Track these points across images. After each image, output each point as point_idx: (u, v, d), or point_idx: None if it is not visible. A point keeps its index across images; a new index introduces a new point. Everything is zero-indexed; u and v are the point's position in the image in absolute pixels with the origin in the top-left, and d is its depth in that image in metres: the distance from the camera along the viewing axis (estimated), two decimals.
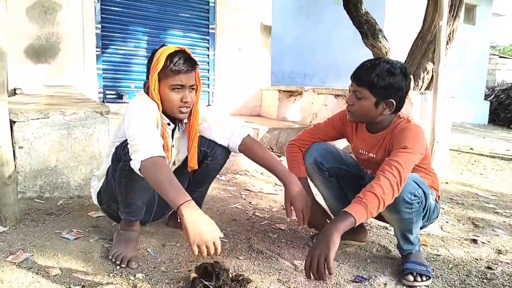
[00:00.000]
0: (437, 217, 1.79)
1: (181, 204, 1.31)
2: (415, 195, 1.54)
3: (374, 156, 1.75)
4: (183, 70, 1.58)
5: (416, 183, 1.56)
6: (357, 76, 1.63)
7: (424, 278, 1.61)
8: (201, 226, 1.30)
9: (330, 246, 1.36)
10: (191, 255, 1.61)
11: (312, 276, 1.38)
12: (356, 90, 1.63)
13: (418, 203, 1.57)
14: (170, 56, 1.57)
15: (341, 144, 3.73)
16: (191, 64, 1.61)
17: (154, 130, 1.53)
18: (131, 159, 1.46)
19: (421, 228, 1.73)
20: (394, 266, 1.76)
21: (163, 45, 1.66)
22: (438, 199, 1.79)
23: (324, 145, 1.89)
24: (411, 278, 1.60)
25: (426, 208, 1.64)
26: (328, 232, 1.39)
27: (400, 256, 1.76)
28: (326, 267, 1.35)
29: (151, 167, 1.41)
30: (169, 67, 1.57)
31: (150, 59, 1.63)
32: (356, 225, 1.43)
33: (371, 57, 5.94)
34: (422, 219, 1.66)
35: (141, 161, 1.41)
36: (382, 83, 1.57)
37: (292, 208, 1.68)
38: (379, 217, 1.81)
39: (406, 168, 1.50)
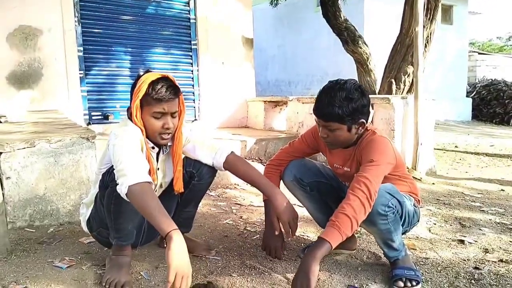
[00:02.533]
0: (418, 220, 1.84)
1: (170, 232, 1.33)
2: (388, 206, 1.59)
3: (349, 169, 1.80)
4: (164, 99, 1.59)
5: (389, 193, 1.61)
6: (321, 113, 1.65)
7: (413, 283, 1.64)
8: (184, 258, 1.33)
9: (309, 276, 1.41)
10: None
11: None
12: (326, 125, 1.67)
13: (393, 213, 1.61)
14: (152, 84, 1.58)
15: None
16: (174, 92, 1.62)
17: (140, 155, 1.55)
18: (118, 184, 1.47)
19: (404, 233, 1.78)
20: (385, 273, 1.79)
21: (147, 71, 1.67)
22: (418, 203, 1.84)
23: (302, 161, 1.94)
24: (401, 284, 1.64)
25: (403, 215, 1.68)
26: (307, 262, 1.44)
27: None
28: None
29: (138, 192, 1.42)
30: (151, 95, 1.58)
31: (134, 85, 1.65)
32: (333, 249, 1.47)
33: (353, 63, 6.06)
34: (403, 225, 1.71)
35: (128, 186, 1.42)
36: (347, 112, 1.60)
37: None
38: None
39: (375, 181, 1.54)
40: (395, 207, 1.61)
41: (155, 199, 1.43)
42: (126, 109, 1.73)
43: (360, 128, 1.68)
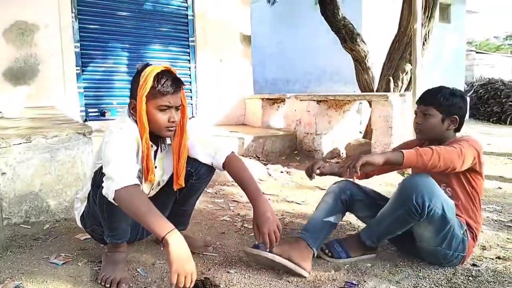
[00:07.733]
0: (462, 253, 1.78)
1: (165, 236, 1.32)
2: (423, 202, 1.62)
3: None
4: (170, 91, 1.58)
5: (439, 195, 1.66)
6: (424, 98, 1.88)
7: (330, 254, 1.87)
8: (185, 257, 1.33)
9: (368, 156, 1.59)
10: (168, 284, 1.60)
11: (348, 173, 1.61)
12: (424, 110, 1.86)
13: (418, 213, 1.64)
14: (158, 77, 1.56)
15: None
16: (178, 84, 1.61)
17: (130, 156, 1.52)
18: (103, 187, 1.45)
19: (443, 263, 1.80)
20: (386, 270, 1.79)
21: (147, 64, 1.64)
22: (475, 238, 1.84)
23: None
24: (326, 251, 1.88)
25: (446, 232, 1.70)
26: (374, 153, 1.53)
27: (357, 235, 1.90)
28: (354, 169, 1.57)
29: (125, 197, 1.40)
30: (157, 88, 1.56)
31: (135, 79, 1.61)
32: (403, 164, 1.63)
33: (351, 60, 6.05)
34: (442, 245, 1.72)
35: (115, 191, 1.41)
36: (447, 102, 1.83)
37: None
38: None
39: (465, 153, 1.68)
40: (423, 210, 1.63)
41: (144, 202, 1.40)
42: (126, 105, 1.70)
43: (452, 125, 1.85)
